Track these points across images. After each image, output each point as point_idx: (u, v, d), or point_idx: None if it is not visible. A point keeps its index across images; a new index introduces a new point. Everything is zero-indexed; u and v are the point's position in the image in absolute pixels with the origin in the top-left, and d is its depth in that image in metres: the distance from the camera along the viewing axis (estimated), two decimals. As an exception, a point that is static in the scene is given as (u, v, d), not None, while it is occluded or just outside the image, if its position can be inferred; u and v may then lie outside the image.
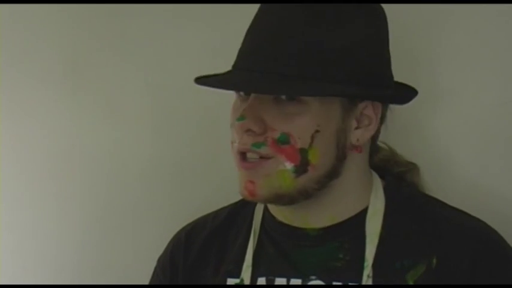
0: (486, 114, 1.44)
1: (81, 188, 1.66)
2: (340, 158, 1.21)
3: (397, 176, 1.33)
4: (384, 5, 1.40)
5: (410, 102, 1.31)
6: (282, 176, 1.18)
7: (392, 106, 1.29)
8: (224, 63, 1.30)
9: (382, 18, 1.25)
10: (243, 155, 1.20)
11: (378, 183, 1.28)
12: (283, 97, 1.17)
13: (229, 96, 1.42)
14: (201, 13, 1.58)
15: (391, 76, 1.26)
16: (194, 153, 1.61)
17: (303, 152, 1.18)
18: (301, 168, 1.18)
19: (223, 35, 1.56)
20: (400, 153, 1.37)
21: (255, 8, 1.43)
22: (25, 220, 1.69)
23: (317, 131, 1.18)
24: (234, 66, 1.22)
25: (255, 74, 1.16)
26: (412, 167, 1.36)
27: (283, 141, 1.17)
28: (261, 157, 1.18)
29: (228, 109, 1.53)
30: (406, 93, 1.28)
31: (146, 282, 1.40)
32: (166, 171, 1.62)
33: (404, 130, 1.47)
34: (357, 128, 1.22)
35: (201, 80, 1.23)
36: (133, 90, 1.63)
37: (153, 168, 1.63)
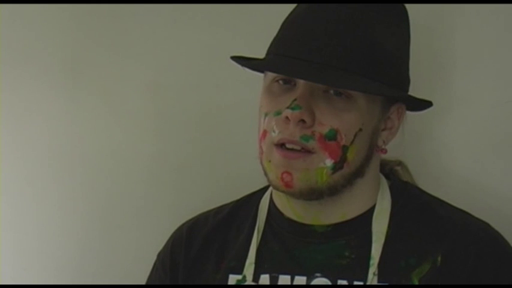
0: (487, 115, 1.45)
1: (82, 187, 1.66)
2: (369, 157, 1.22)
3: (389, 172, 1.34)
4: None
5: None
6: (320, 172, 1.18)
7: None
8: (224, 63, 1.30)
9: (408, 20, 1.26)
10: (280, 146, 1.19)
11: (384, 183, 1.29)
12: (331, 91, 1.17)
13: (230, 96, 1.43)
14: (202, 13, 1.58)
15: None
16: (195, 152, 1.61)
17: (345, 149, 1.18)
18: (339, 164, 1.19)
19: (224, 35, 1.56)
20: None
21: (255, 7, 1.45)
22: (25, 220, 1.69)
23: (360, 130, 1.19)
24: (277, 51, 1.20)
25: (313, 64, 1.16)
26: (399, 163, 1.37)
27: (331, 137, 1.17)
28: (303, 150, 1.18)
29: (228, 109, 1.54)
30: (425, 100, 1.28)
31: (147, 277, 1.40)
32: (168, 170, 1.62)
33: (406, 132, 1.48)
34: (383, 130, 1.23)
35: (254, 63, 1.22)
36: (134, 90, 1.63)
37: (154, 167, 1.63)
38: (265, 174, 1.23)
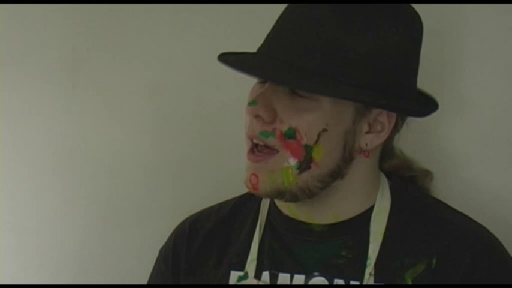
0: (488, 115, 1.45)
1: (82, 187, 1.66)
2: (346, 159, 1.21)
3: (408, 179, 1.33)
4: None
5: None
6: (285, 172, 1.18)
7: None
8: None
9: (416, 24, 1.23)
10: (252, 146, 1.20)
11: (384, 183, 1.28)
12: (297, 90, 1.17)
13: (230, 96, 1.43)
14: (202, 13, 1.58)
15: (414, 85, 1.24)
16: (195, 151, 1.61)
17: (308, 148, 1.17)
18: (304, 164, 1.18)
19: (224, 35, 1.56)
20: (415, 161, 1.36)
21: (256, 7, 1.45)
22: (25, 220, 1.69)
23: (324, 130, 1.17)
24: (258, 49, 1.21)
25: (275, 62, 1.16)
26: (426, 174, 1.36)
27: (290, 135, 1.17)
28: (267, 148, 1.18)
29: (229, 109, 1.54)
30: (423, 107, 1.26)
31: (148, 280, 1.40)
32: (167, 170, 1.62)
33: (406, 132, 1.47)
34: (367, 133, 1.21)
35: (223, 57, 1.22)
36: (133, 90, 1.63)
37: (154, 167, 1.63)
38: None
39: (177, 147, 1.62)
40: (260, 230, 1.29)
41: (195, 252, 1.32)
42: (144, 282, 1.41)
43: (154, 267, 1.38)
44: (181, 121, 1.61)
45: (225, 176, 1.57)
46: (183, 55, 1.60)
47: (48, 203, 1.68)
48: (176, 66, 1.60)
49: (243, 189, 1.38)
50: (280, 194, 1.20)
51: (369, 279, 1.19)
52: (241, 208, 1.34)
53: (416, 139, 1.48)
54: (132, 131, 1.63)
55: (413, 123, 1.46)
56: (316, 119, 1.17)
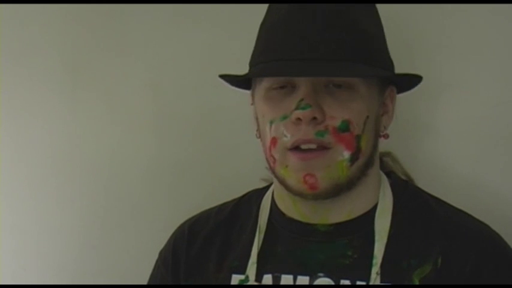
0: (486, 114, 1.45)
1: (82, 187, 1.66)
2: (375, 145, 1.24)
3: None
4: (387, 5, 1.42)
5: (414, 101, 1.35)
6: (340, 166, 1.18)
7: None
8: (224, 63, 1.31)
9: None
10: (295, 149, 1.18)
11: (385, 181, 1.29)
12: (331, 85, 1.18)
13: (230, 97, 1.43)
14: (202, 13, 1.58)
15: None
16: (195, 153, 1.61)
17: (358, 138, 1.19)
18: (355, 155, 1.19)
19: (224, 35, 1.56)
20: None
21: (256, 8, 1.44)
22: (25, 220, 1.69)
23: (368, 117, 1.20)
24: (268, 59, 1.19)
25: (309, 61, 1.16)
26: (388, 154, 1.37)
27: (344, 128, 1.17)
28: (319, 148, 1.17)
29: (229, 109, 1.54)
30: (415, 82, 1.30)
31: (147, 282, 1.40)
32: (167, 171, 1.62)
33: (406, 131, 1.48)
34: (382, 115, 1.25)
35: (250, 73, 1.22)
36: (134, 90, 1.63)
37: (154, 167, 1.63)
38: (282, 181, 1.22)
39: (178, 148, 1.61)
40: (260, 233, 1.28)
41: (194, 255, 1.32)
42: (144, 282, 1.40)
43: (153, 270, 1.38)
44: (182, 121, 1.60)
45: (226, 176, 1.57)
46: (183, 55, 1.59)
47: (48, 203, 1.67)
48: (176, 67, 1.60)
49: (243, 189, 1.39)
50: (335, 189, 1.19)
51: (375, 278, 1.19)
52: (241, 210, 1.34)
53: (416, 139, 1.49)
54: (133, 131, 1.63)
55: (413, 122, 1.47)
56: (362, 106, 1.19)
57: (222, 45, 1.55)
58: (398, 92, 1.29)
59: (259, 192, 1.35)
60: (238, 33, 1.54)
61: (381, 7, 1.27)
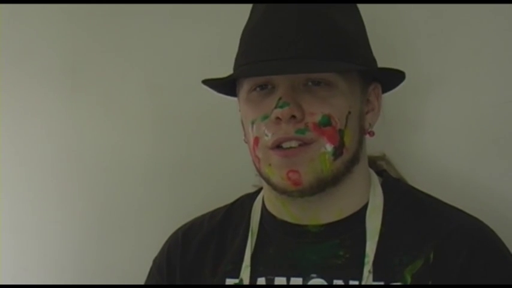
0: (486, 114, 1.44)
1: (81, 187, 1.66)
2: (361, 142, 1.24)
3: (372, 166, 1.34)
4: (385, 4, 1.42)
5: (409, 101, 1.35)
6: (323, 159, 1.19)
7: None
8: (224, 64, 1.30)
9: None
10: (276, 147, 1.19)
11: (375, 180, 1.29)
12: (310, 83, 1.19)
13: (229, 98, 1.42)
14: (202, 13, 1.58)
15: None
16: (194, 153, 1.61)
17: (341, 133, 1.19)
18: (339, 150, 1.20)
19: (224, 35, 1.56)
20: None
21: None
22: (25, 220, 1.69)
23: (349, 112, 1.20)
24: (248, 61, 1.21)
25: (287, 60, 1.17)
26: (382, 157, 1.38)
27: (325, 123, 1.18)
28: (301, 144, 1.18)
29: (228, 109, 1.54)
30: (398, 78, 1.29)
31: (144, 283, 1.40)
32: (166, 171, 1.62)
33: (406, 133, 1.48)
34: (367, 113, 1.25)
35: (230, 76, 1.23)
36: (133, 90, 1.63)
37: (153, 168, 1.63)
38: (267, 180, 1.23)
39: (176, 148, 1.61)
40: (252, 236, 1.29)
41: (189, 262, 1.32)
42: (144, 282, 1.40)
43: (148, 278, 1.39)
44: (181, 122, 1.60)
45: (224, 177, 1.57)
46: (181, 56, 1.60)
47: (48, 203, 1.68)
48: (175, 67, 1.60)
49: (242, 189, 1.39)
50: (319, 184, 1.20)
51: (368, 277, 1.20)
52: (233, 215, 1.34)
53: (417, 139, 1.49)
54: (131, 131, 1.63)
55: (413, 122, 1.47)
56: (343, 102, 1.19)
57: (220, 46, 1.55)
58: (385, 90, 1.30)
59: (251, 197, 1.36)
60: (237, 33, 1.53)
61: (371, 6, 1.27)
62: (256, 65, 1.19)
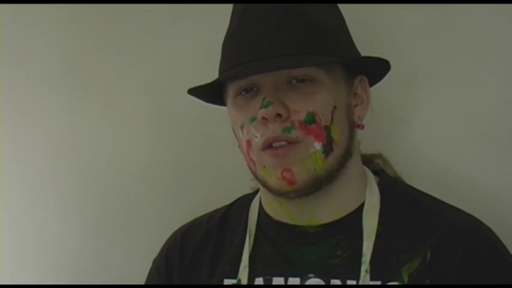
0: (486, 114, 1.44)
1: (80, 187, 1.66)
2: (351, 136, 1.24)
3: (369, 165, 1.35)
4: (383, 5, 1.41)
5: (408, 101, 1.36)
6: (314, 157, 1.19)
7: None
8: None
9: None
10: (267, 148, 1.19)
11: (371, 179, 1.29)
12: (294, 81, 1.19)
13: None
14: (201, 13, 1.58)
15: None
16: (193, 153, 1.61)
17: (327, 129, 1.19)
18: (328, 147, 1.20)
19: (222, 36, 1.55)
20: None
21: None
22: (25, 220, 1.69)
23: (335, 107, 1.20)
24: (230, 66, 1.22)
25: (266, 59, 1.18)
26: (379, 156, 1.38)
27: (310, 120, 1.18)
28: (290, 143, 1.18)
29: (226, 110, 1.53)
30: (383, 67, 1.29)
31: (143, 283, 1.41)
32: (165, 171, 1.62)
33: (403, 131, 1.47)
34: (356, 106, 1.25)
35: (212, 82, 1.24)
36: (133, 91, 1.63)
37: (152, 168, 1.63)
38: (264, 182, 1.23)
39: (176, 148, 1.61)
40: (250, 236, 1.29)
41: (187, 263, 1.33)
42: (143, 282, 1.41)
43: (147, 279, 1.39)
44: (180, 122, 1.60)
45: (224, 177, 1.57)
46: (181, 56, 1.60)
47: (48, 203, 1.68)
48: (175, 68, 1.60)
49: (241, 190, 1.39)
50: (314, 182, 1.20)
51: (365, 276, 1.20)
52: (231, 216, 1.35)
53: (414, 137, 1.48)
54: (131, 131, 1.63)
55: (411, 122, 1.47)
56: (326, 97, 1.19)
57: (220, 46, 1.55)
58: (373, 82, 1.30)
59: (249, 198, 1.36)
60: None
61: (368, 5, 1.27)
62: (236, 69, 1.20)
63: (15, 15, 1.67)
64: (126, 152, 1.64)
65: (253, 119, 1.20)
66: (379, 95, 1.35)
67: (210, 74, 1.46)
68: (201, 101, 1.55)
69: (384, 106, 1.37)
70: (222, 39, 1.53)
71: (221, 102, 1.30)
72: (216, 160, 1.58)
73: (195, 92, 1.26)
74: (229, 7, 1.53)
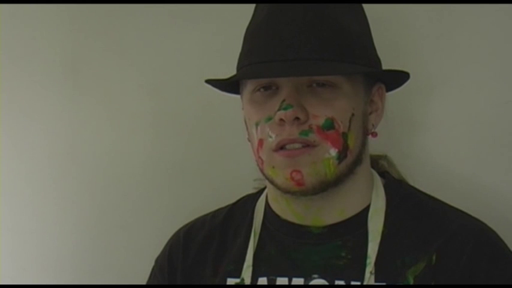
0: (486, 114, 1.44)
1: (81, 188, 1.66)
2: (364, 143, 1.24)
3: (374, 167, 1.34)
4: (389, 4, 1.41)
5: (411, 101, 1.36)
6: (327, 163, 1.19)
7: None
8: (224, 64, 1.31)
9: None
10: (280, 149, 1.19)
11: (378, 181, 1.29)
12: (314, 84, 1.18)
13: (228, 98, 1.43)
14: (202, 13, 1.58)
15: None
16: (193, 153, 1.60)
17: (344, 136, 1.19)
18: (343, 154, 1.20)
19: (224, 36, 1.56)
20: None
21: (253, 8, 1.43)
22: (25, 220, 1.69)
23: (353, 115, 1.20)
24: (251, 62, 1.20)
25: (290, 62, 1.17)
26: (384, 157, 1.37)
27: (328, 126, 1.18)
28: (305, 146, 1.18)
29: (228, 109, 1.54)
30: (402, 77, 1.29)
31: (146, 282, 1.40)
32: (166, 172, 1.62)
33: (408, 134, 1.48)
34: (370, 114, 1.25)
35: (232, 78, 1.22)
36: (133, 91, 1.63)
37: (153, 168, 1.63)
38: (271, 181, 1.23)
39: (176, 148, 1.61)
40: (255, 235, 1.29)
41: (190, 262, 1.32)
42: (144, 282, 1.40)
43: (150, 277, 1.39)
44: (181, 122, 1.60)
45: (224, 177, 1.57)
46: (181, 56, 1.59)
47: (48, 203, 1.67)
48: (175, 68, 1.60)
49: (242, 190, 1.39)
50: (323, 185, 1.20)
51: (369, 278, 1.20)
52: (235, 215, 1.34)
53: (418, 139, 1.49)
54: (132, 131, 1.63)
55: (414, 123, 1.47)
56: (346, 104, 1.19)
57: (220, 46, 1.55)
58: (388, 89, 1.29)
59: (253, 197, 1.36)
60: (237, 33, 1.53)
61: (375, 6, 1.27)
62: (259, 67, 1.18)
63: (15, 15, 1.66)
64: (126, 152, 1.63)
65: (269, 119, 1.19)
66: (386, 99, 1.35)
67: (211, 74, 1.46)
68: (201, 101, 1.57)
69: (389, 109, 1.37)
70: (223, 39, 1.55)
71: (236, 90, 1.29)
72: (217, 160, 1.58)
73: (211, 82, 1.26)
74: (229, 7, 1.55)
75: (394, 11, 1.46)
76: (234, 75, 1.23)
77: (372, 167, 1.32)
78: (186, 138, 1.61)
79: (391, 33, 1.46)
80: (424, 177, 1.40)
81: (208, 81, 1.26)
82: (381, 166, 1.35)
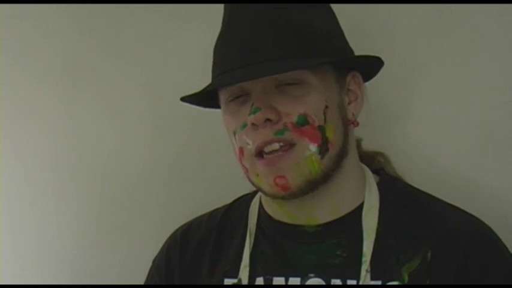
0: (486, 114, 1.44)
1: (80, 188, 1.66)
2: (346, 134, 1.23)
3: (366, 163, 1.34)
4: (379, 4, 1.41)
5: (408, 101, 1.36)
6: (310, 161, 1.19)
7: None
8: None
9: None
10: (259, 155, 1.19)
11: (370, 178, 1.29)
12: (283, 84, 1.18)
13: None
14: (202, 14, 1.58)
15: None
16: (193, 153, 1.61)
17: (321, 129, 1.19)
18: (324, 147, 1.19)
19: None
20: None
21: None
22: (25, 220, 1.69)
23: (326, 107, 1.20)
24: (219, 73, 1.22)
25: (252, 65, 1.17)
26: (381, 155, 1.37)
27: (302, 122, 1.18)
28: (283, 147, 1.18)
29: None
30: (375, 62, 1.28)
31: (143, 282, 1.41)
32: (165, 172, 1.62)
33: (406, 135, 1.48)
34: (349, 103, 1.25)
35: (200, 92, 1.24)
36: (132, 91, 1.63)
37: (152, 168, 1.63)
38: (259, 188, 1.24)
39: (175, 148, 1.62)
40: (251, 236, 1.29)
41: (187, 262, 1.33)
42: (142, 282, 1.41)
43: (147, 278, 1.39)
44: (181, 122, 1.60)
45: (223, 177, 1.57)
46: (181, 57, 1.60)
47: (48, 203, 1.68)
48: (174, 68, 1.60)
49: (240, 190, 1.39)
50: (309, 185, 1.20)
51: (365, 276, 1.20)
52: (232, 215, 1.35)
53: (416, 138, 1.48)
54: (131, 132, 1.63)
55: (412, 124, 1.47)
56: (317, 97, 1.19)
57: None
58: (367, 78, 1.29)
59: (249, 197, 1.36)
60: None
61: (374, 6, 1.27)
62: (224, 76, 1.20)
63: (15, 15, 1.67)
64: (126, 152, 1.64)
65: (244, 126, 1.20)
66: (377, 94, 1.35)
67: (209, 75, 1.46)
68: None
69: (383, 105, 1.37)
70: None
71: (217, 105, 1.30)
72: (215, 160, 1.58)
73: (188, 99, 1.27)
74: (229, 7, 1.54)
75: (395, 11, 1.46)
76: (203, 89, 1.24)
77: (368, 163, 1.32)
78: (185, 138, 1.61)
79: (391, 33, 1.46)
80: (422, 177, 1.40)
81: (183, 99, 1.27)
82: (377, 163, 1.35)
